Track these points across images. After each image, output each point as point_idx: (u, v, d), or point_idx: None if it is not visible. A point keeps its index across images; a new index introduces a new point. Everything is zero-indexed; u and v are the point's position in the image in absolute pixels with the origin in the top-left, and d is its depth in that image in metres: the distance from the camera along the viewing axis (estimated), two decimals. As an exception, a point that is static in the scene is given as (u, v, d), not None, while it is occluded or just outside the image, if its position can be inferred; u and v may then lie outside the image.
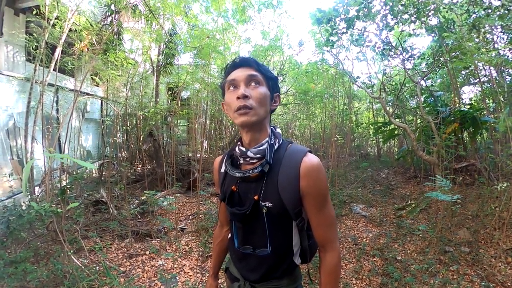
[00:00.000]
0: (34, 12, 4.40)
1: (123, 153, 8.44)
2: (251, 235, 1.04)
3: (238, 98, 0.93)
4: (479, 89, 7.89)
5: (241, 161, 1.03)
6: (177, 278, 3.27)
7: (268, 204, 0.96)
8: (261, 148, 0.99)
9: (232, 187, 1.05)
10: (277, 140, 1.01)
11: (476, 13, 4.99)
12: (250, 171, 0.97)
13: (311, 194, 0.94)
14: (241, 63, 0.99)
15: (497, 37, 5.67)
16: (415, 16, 5.40)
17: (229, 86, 0.99)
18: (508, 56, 5.65)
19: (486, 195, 4.75)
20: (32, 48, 4.51)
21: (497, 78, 6.47)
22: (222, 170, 1.12)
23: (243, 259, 1.09)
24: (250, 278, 1.07)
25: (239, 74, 0.97)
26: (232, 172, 1.02)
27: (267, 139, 1.00)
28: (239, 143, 1.06)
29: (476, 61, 5.78)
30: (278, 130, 1.07)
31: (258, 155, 0.99)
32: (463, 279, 3.06)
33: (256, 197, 0.97)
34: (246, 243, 1.06)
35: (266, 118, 1.01)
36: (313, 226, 0.99)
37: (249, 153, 1.00)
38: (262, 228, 0.99)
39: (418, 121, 8.63)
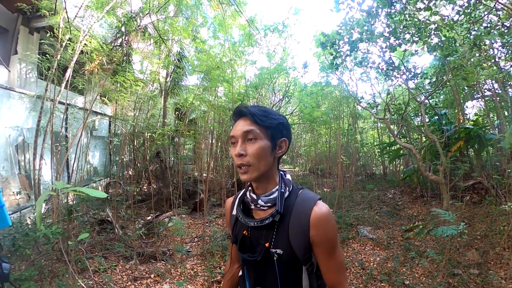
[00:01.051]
0: (48, 34, 4.58)
1: (130, 172, 8.51)
2: (263, 279, 1.06)
3: (236, 155, 0.97)
4: (483, 103, 7.92)
5: (252, 207, 1.05)
6: (182, 301, 3.23)
7: (279, 251, 0.98)
8: (271, 196, 1.01)
9: (244, 232, 1.07)
10: (287, 188, 1.03)
11: (476, 30, 5.10)
12: (260, 222, 0.99)
13: (321, 243, 0.95)
14: (239, 114, 1.01)
15: (498, 51, 5.76)
16: (417, 36, 5.53)
17: (231, 141, 1.02)
18: (510, 71, 5.72)
19: (494, 214, 4.68)
20: (45, 68, 4.69)
21: (501, 93, 6.51)
22: (234, 212, 1.14)
23: None
24: None
25: (237, 129, 0.98)
26: (244, 220, 1.04)
27: (277, 187, 1.02)
28: (250, 188, 1.08)
29: (479, 77, 5.84)
30: (288, 176, 1.08)
31: (268, 204, 1.01)
32: (474, 304, 2.98)
33: (267, 244, 0.99)
34: (257, 285, 1.08)
35: (271, 169, 1.02)
36: (323, 271, 1.01)
37: (260, 202, 1.02)
38: (273, 274, 1.00)
39: (423, 139, 8.62)
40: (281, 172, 1.07)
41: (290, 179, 1.08)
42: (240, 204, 1.11)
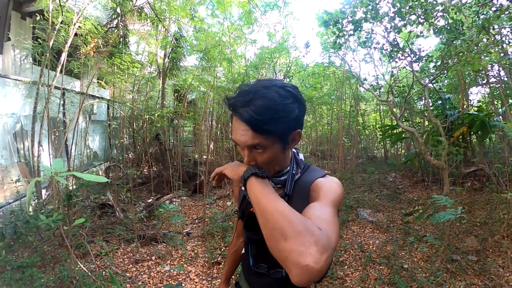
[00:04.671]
0: (39, 18, 4.42)
1: (130, 155, 8.49)
2: (266, 256, 1.01)
3: (245, 163, 0.89)
4: (487, 90, 7.77)
5: None
6: (183, 284, 3.27)
7: None
8: (282, 178, 0.96)
9: (251, 209, 1.03)
10: (299, 170, 0.98)
11: (485, 14, 4.91)
12: None
13: (314, 195, 0.88)
14: (238, 116, 0.83)
15: (506, 37, 5.57)
16: (423, 17, 5.33)
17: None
18: (517, 57, 5.57)
19: (494, 201, 4.67)
20: (38, 54, 4.56)
21: (507, 80, 6.37)
22: (243, 188, 1.09)
23: (256, 277, 1.09)
24: None
25: (239, 139, 0.84)
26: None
27: (288, 168, 0.97)
28: None
29: (486, 63, 5.69)
30: (301, 156, 1.03)
31: (279, 185, 0.97)
32: (470, 289, 3.01)
33: None
34: (261, 261, 1.06)
35: (284, 160, 0.95)
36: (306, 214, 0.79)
37: (270, 182, 0.94)
38: None
39: (426, 123, 8.53)
40: (294, 151, 1.01)
41: (303, 158, 1.03)
42: None
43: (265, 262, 1.04)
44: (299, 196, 0.93)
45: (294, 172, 0.96)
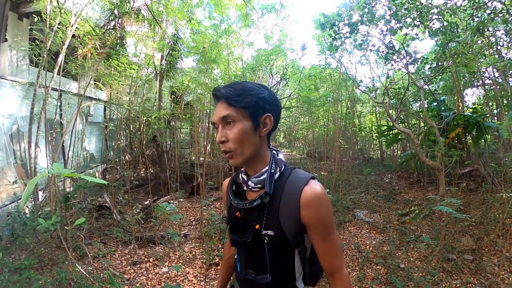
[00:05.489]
0: (36, 19, 4.41)
1: (126, 157, 8.47)
2: (253, 261, 1.04)
3: (218, 142, 0.96)
4: (483, 91, 7.87)
5: (245, 188, 1.04)
6: (181, 286, 3.28)
7: (270, 232, 0.95)
8: (261, 178, 0.98)
9: (237, 213, 1.04)
10: (278, 169, 0.99)
11: (479, 16, 4.99)
12: (249, 203, 0.96)
13: (314, 224, 0.92)
14: (216, 98, 0.96)
15: (500, 39, 5.66)
16: (418, 20, 5.39)
17: (214, 127, 1.00)
18: (512, 59, 5.65)
19: (490, 201, 4.73)
20: (35, 55, 4.54)
21: (501, 81, 6.46)
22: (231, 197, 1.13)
23: (245, 283, 1.09)
24: None
25: (216, 114, 0.95)
26: (234, 202, 1.02)
27: (267, 167, 0.98)
28: (242, 169, 1.05)
29: (480, 65, 5.78)
30: (280, 156, 1.04)
31: (259, 185, 0.98)
32: (466, 288, 3.04)
33: (257, 226, 0.96)
34: (248, 267, 1.06)
35: (259, 149, 0.97)
36: (319, 255, 0.98)
37: (250, 183, 1.00)
38: (263, 256, 0.98)
39: (422, 124, 8.60)
40: (273, 151, 1.02)
41: (283, 158, 1.04)
42: (232, 185, 1.09)
43: (252, 268, 1.05)
44: (286, 203, 0.93)
45: (272, 171, 0.97)
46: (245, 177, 1.02)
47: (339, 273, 0.97)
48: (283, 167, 1.00)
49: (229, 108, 0.92)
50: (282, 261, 1.00)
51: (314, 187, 0.92)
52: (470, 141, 7.13)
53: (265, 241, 0.95)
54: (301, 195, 0.91)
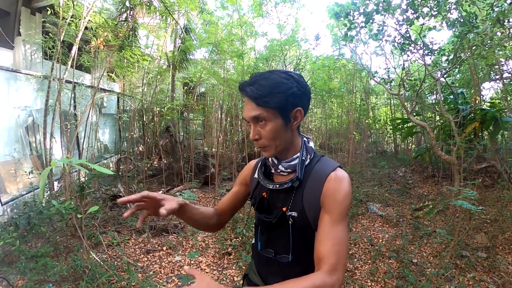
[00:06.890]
0: (49, 12, 4.47)
1: (140, 147, 8.59)
2: (275, 240, 1.08)
3: (251, 140, 0.99)
4: (501, 85, 7.57)
5: (273, 171, 1.08)
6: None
7: (294, 214, 0.99)
8: (292, 163, 1.02)
9: (263, 194, 1.09)
10: (308, 156, 1.03)
11: (500, 6, 4.77)
12: (279, 185, 1.01)
13: (327, 203, 0.93)
14: (244, 93, 0.96)
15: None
16: (435, 9, 5.20)
17: (246, 121, 1.02)
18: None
19: (506, 198, 4.60)
20: (49, 48, 4.62)
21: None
22: (256, 176, 1.15)
23: (264, 263, 1.13)
24: (270, 282, 1.06)
25: (246, 113, 0.97)
26: (264, 183, 1.07)
27: (298, 154, 1.02)
28: None
29: (499, 56, 5.53)
30: (311, 144, 1.07)
31: (288, 170, 1.02)
32: (479, 286, 3.00)
33: (284, 209, 1.00)
34: (268, 246, 1.10)
35: (291, 139, 1.01)
36: (318, 238, 0.91)
37: (280, 167, 1.03)
38: (286, 237, 1.01)
39: (437, 118, 8.38)
40: (304, 139, 1.07)
41: (313, 146, 1.07)
42: (262, 166, 1.13)
43: (272, 247, 1.08)
44: (311, 186, 0.97)
45: (304, 158, 1.01)
46: (275, 160, 1.05)
47: (328, 270, 0.83)
48: (312, 154, 1.04)
49: (259, 109, 0.93)
50: (304, 242, 1.02)
51: (340, 173, 0.97)
52: (487, 136, 6.92)
53: (290, 222, 0.99)
54: (326, 179, 0.95)
